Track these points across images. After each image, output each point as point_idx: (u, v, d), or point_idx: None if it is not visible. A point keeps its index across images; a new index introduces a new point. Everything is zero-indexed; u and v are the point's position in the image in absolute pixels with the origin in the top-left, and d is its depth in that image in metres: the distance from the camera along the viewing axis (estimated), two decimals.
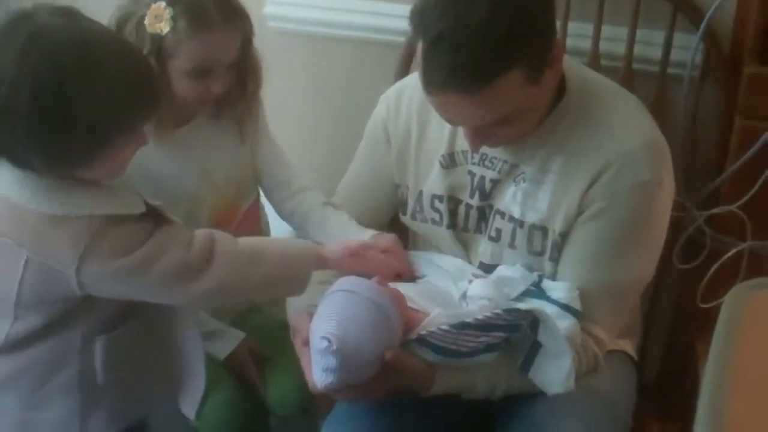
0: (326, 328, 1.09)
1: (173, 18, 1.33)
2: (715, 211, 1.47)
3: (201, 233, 1.22)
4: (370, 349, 1.11)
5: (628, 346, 1.45)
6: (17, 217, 1.12)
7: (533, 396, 1.25)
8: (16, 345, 1.20)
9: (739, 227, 1.46)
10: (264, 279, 1.25)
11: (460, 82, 1.13)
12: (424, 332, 1.16)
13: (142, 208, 1.16)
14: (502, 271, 1.34)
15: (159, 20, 1.33)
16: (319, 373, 1.11)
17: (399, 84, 1.47)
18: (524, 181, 1.31)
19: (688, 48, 1.56)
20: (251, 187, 1.62)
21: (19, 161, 1.10)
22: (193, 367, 1.36)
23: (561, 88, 1.28)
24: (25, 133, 1.06)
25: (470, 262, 1.40)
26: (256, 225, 1.66)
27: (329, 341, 1.07)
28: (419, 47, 1.16)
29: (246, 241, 1.28)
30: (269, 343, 1.58)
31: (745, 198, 1.44)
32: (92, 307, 1.20)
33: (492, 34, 1.11)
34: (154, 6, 1.34)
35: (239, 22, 1.41)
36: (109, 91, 1.08)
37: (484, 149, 1.32)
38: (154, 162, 1.41)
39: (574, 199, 1.27)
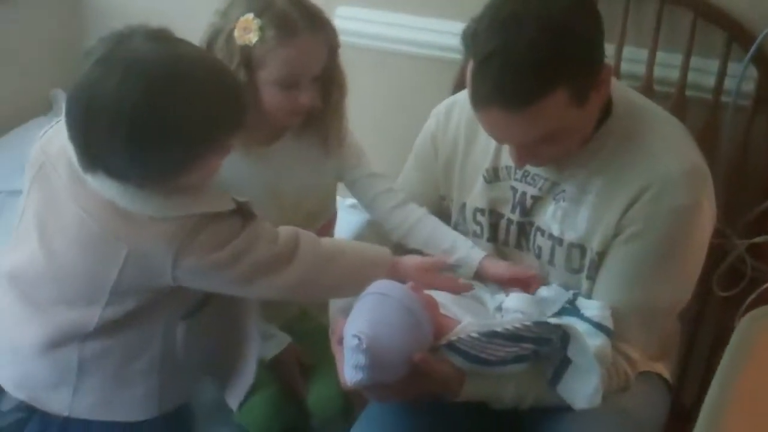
0: (358, 327, 1.14)
1: (261, 28, 1.37)
2: (756, 240, 1.47)
3: (286, 229, 1.30)
4: (398, 349, 1.15)
5: (663, 369, 1.46)
6: (120, 216, 1.20)
7: (560, 411, 1.27)
8: (107, 328, 1.27)
9: None
10: (339, 280, 1.33)
11: (506, 100, 1.18)
12: (453, 338, 1.20)
13: (232, 206, 1.23)
14: (541, 292, 1.36)
15: (248, 31, 1.37)
16: (349, 370, 1.16)
17: (450, 99, 1.51)
18: (564, 200, 1.34)
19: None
20: (326, 210, 1.65)
21: (116, 175, 1.18)
22: (247, 360, 1.43)
23: (607, 109, 1.31)
24: (124, 153, 1.14)
25: None
26: None
27: (360, 339, 1.12)
28: (469, 66, 1.21)
29: (327, 241, 1.35)
30: (315, 348, 1.60)
31: None
32: (177, 296, 1.28)
33: (539, 55, 1.15)
34: (242, 18, 1.37)
35: (325, 32, 1.43)
36: (200, 112, 1.15)
37: (527, 166, 1.36)
38: (230, 171, 1.42)
39: (613, 219, 1.29)
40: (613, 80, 1.31)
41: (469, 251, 1.43)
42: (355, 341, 1.12)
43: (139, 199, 1.19)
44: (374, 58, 2.05)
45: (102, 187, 1.20)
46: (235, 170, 1.44)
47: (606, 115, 1.31)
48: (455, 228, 1.49)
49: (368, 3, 2.02)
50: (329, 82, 1.48)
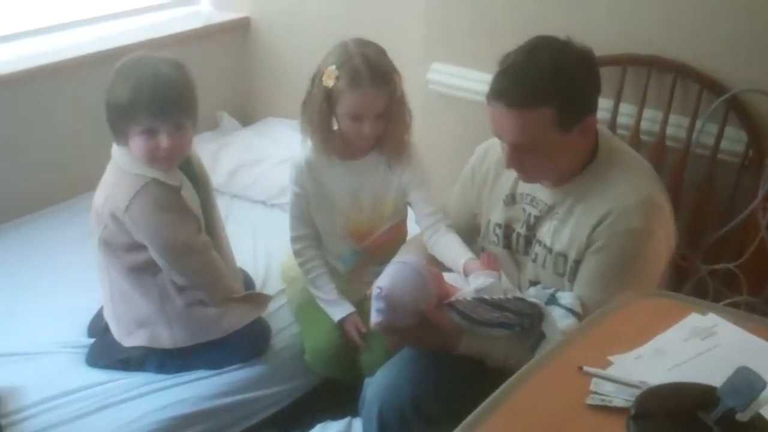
0: (381, 282, 1.65)
1: (338, 77, 1.92)
2: (717, 267, 1.83)
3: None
4: (408, 299, 1.63)
5: None
6: (114, 175, 1.92)
7: None
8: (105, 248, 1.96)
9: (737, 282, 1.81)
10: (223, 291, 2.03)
11: (509, 99, 1.61)
12: (453, 300, 1.67)
13: (178, 183, 1.90)
14: (530, 291, 1.80)
15: (329, 77, 1.93)
16: (373, 313, 1.66)
17: (489, 141, 1.97)
18: (556, 220, 1.77)
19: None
20: (398, 213, 2.14)
21: (115, 137, 1.91)
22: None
23: (594, 154, 1.74)
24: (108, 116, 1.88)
25: (520, 278, 1.89)
26: (392, 241, 2.17)
27: (380, 289, 1.62)
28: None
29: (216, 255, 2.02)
30: None
31: (743, 258, 1.80)
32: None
33: (539, 77, 1.60)
34: (329, 68, 1.94)
35: (385, 85, 1.94)
36: (119, 100, 1.82)
37: (533, 192, 1.81)
38: (328, 177, 2.03)
39: (585, 236, 1.71)
40: (604, 130, 1.75)
41: (457, 259, 1.90)
42: (378, 291, 1.63)
43: (125, 157, 1.90)
44: (461, 106, 2.55)
45: (116, 152, 1.92)
46: (335, 175, 2.05)
47: (592, 158, 1.74)
48: (483, 238, 1.95)
49: (456, 61, 2.53)
50: (390, 118, 1.99)
